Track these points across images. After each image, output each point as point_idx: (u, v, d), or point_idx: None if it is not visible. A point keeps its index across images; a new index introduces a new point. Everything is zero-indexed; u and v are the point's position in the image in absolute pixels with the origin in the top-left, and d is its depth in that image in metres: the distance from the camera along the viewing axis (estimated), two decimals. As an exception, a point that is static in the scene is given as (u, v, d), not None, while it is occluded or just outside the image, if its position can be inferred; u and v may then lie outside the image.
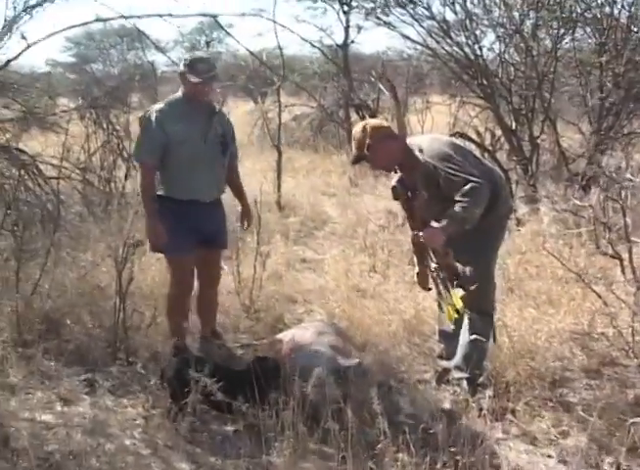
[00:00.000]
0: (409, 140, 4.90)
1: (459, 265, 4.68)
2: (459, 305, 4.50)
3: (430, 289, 4.98)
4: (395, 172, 4.90)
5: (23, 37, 4.11)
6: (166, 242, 5.14)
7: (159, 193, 5.24)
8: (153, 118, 5.12)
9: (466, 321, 4.81)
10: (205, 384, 4.10)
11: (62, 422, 4.37)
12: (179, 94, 5.25)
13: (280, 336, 5.26)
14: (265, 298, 6.44)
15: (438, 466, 3.92)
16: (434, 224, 4.53)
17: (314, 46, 14.22)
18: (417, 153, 4.70)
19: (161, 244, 5.17)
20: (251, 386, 4.38)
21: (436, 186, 4.63)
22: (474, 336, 4.78)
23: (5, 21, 7.88)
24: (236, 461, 3.93)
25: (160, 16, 3.50)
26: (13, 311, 5.47)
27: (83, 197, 9.35)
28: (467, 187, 4.51)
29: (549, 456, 4.13)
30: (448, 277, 4.62)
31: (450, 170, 4.58)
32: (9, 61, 4.87)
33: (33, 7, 6.94)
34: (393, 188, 4.89)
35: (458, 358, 4.88)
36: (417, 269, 4.97)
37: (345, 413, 4.08)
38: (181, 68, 5.19)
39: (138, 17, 3.27)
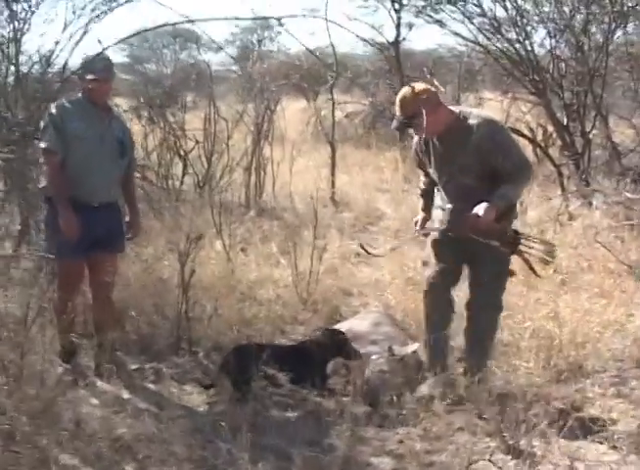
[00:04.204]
0: (453, 107, 4.86)
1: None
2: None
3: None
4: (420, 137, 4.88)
5: (99, 42, 4.29)
6: (55, 244, 4.99)
7: (49, 195, 5.11)
8: (54, 112, 5.04)
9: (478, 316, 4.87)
10: (269, 369, 4.32)
11: (129, 408, 4.54)
12: (79, 95, 5.21)
13: (337, 326, 5.42)
14: (322, 290, 6.59)
15: (492, 449, 4.07)
16: (483, 204, 4.45)
17: (367, 42, 14.29)
18: (471, 120, 4.63)
19: (57, 243, 4.96)
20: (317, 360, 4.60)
21: (477, 155, 4.58)
22: (490, 330, 4.89)
23: (65, 25, 8.17)
24: (298, 445, 4.06)
25: (227, 19, 3.65)
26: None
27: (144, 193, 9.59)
28: (519, 164, 4.58)
29: (600, 443, 4.21)
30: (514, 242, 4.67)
31: (505, 144, 4.61)
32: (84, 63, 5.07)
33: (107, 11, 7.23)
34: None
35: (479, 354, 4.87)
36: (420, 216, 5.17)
37: (403, 399, 4.27)
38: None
39: (204, 20, 3.43)
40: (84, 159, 5.00)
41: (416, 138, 4.96)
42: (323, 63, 12.73)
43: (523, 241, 4.71)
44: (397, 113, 4.74)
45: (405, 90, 4.74)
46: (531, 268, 4.82)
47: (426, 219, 5.17)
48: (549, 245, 4.82)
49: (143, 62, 32.51)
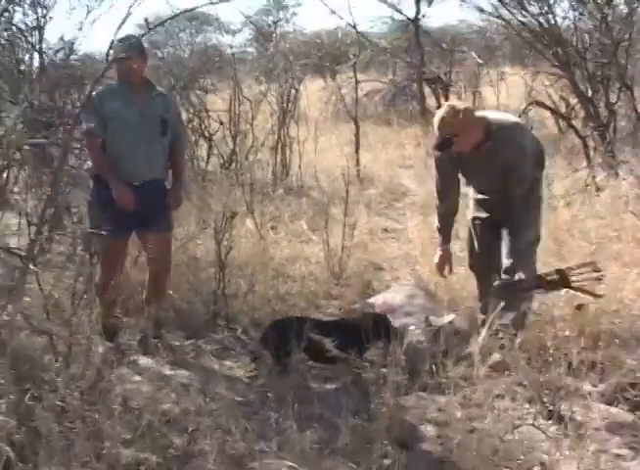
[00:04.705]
0: (488, 118, 4.90)
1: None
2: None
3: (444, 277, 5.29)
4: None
5: (146, 20, 4.35)
6: (99, 223, 4.97)
7: (95, 173, 5.26)
8: (94, 96, 5.08)
9: None
10: (312, 339, 4.41)
11: (173, 383, 4.61)
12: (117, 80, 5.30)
13: (372, 300, 5.50)
14: (353, 266, 6.67)
15: (533, 415, 4.15)
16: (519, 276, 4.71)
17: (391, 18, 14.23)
18: (500, 140, 4.76)
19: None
20: (359, 336, 4.66)
21: (501, 172, 4.79)
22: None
23: (87, 10, 8.25)
24: (343, 414, 4.11)
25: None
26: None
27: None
28: (526, 197, 4.81)
29: (637, 408, 4.29)
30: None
31: (524, 174, 4.81)
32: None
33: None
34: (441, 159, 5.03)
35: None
36: (440, 251, 5.23)
37: (443, 367, 4.35)
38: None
39: (225, 1, 3.48)
40: (124, 138, 5.10)
41: (438, 152, 5.01)
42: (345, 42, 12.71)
43: (569, 276, 4.79)
44: (437, 132, 4.79)
45: (445, 110, 4.77)
46: (590, 294, 4.83)
47: (448, 255, 5.26)
48: (593, 265, 4.89)
49: (160, 46, 32.53)
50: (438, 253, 5.27)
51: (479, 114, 4.90)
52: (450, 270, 5.31)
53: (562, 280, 4.73)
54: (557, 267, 4.88)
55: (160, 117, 5.22)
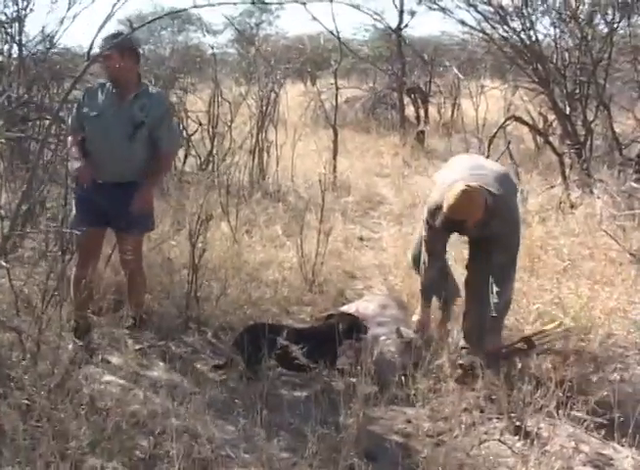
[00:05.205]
0: (487, 190, 4.77)
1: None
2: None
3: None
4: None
5: (129, 21, 4.33)
6: (77, 218, 5.18)
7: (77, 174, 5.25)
8: (83, 92, 5.21)
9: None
10: (284, 347, 4.41)
11: (142, 385, 4.60)
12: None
13: (344, 308, 5.47)
14: (326, 273, 6.66)
15: (500, 430, 4.18)
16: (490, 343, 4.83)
17: (372, 27, 14.30)
18: (494, 210, 4.72)
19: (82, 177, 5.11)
20: (332, 342, 4.69)
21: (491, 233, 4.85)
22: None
23: (69, 4, 8.19)
24: (311, 423, 4.09)
25: (235, 3, 3.66)
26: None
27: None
28: (508, 263, 4.90)
29: (604, 426, 4.28)
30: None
31: (511, 244, 4.92)
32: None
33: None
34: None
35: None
36: (421, 315, 5.22)
37: (412, 380, 4.36)
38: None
39: (210, 5, 3.46)
40: (95, 137, 5.10)
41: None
42: (347, 46, 12.61)
43: (536, 340, 4.90)
44: (449, 214, 4.68)
45: (461, 198, 4.61)
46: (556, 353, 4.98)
47: (427, 319, 5.22)
48: (559, 326, 5.04)
49: (141, 43, 32.32)
50: (418, 315, 5.23)
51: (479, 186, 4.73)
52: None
53: (529, 346, 4.83)
54: (523, 335, 4.99)
55: (133, 121, 5.15)
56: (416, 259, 5.35)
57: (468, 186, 4.60)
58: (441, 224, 4.82)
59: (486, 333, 4.85)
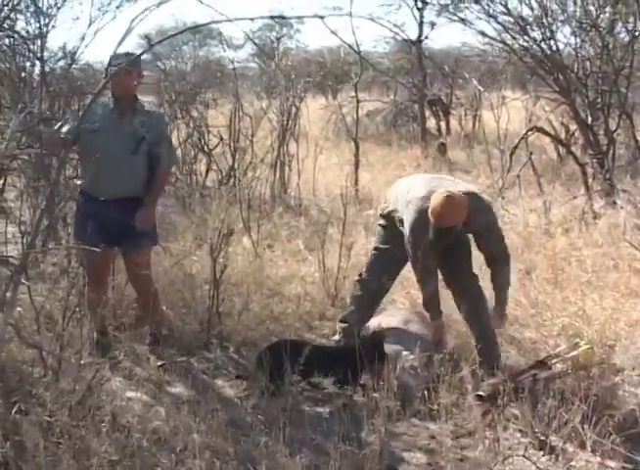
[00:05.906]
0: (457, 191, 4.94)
1: None
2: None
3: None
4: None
5: (147, 38, 4.35)
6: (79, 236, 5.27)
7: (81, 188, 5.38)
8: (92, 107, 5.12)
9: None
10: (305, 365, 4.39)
11: (164, 401, 4.61)
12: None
13: (367, 323, 5.46)
14: (349, 288, 6.61)
15: (524, 445, 4.12)
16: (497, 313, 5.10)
17: (393, 39, 14.30)
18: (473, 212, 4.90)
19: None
20: (353, 362, 4.65)
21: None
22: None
23: (90, 20, 8.27)
24: (333, 439, 4.08)
25: (252, 19, 3.65)
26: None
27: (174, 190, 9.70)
28: (503, 247, 5.10)
29: (631, 440, 4.22)
30: None
31: (496, 232, 5.11)
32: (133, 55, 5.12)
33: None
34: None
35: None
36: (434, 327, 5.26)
37: (435, 394, 4.32)
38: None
39: (230, 20, 3.45)
40: (96, 152, 5.01)
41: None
42: (365, 59, 12.66)
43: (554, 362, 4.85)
44: (437, 222, 4.81)
45: (448, 205, 4.78)
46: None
47: (441, 328, 5.27)
48: (574, 348, 4.94)
49: (163, 58, 32.56)
50: (433, 328, 5.26)
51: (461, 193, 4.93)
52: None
53: (544, 368, 4.76)
54: (537, 359, 4.92)
55: (135, 135, 5.18)
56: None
57: (448, 192, 4.79)
58: (433, 237, 4.87)
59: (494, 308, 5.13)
